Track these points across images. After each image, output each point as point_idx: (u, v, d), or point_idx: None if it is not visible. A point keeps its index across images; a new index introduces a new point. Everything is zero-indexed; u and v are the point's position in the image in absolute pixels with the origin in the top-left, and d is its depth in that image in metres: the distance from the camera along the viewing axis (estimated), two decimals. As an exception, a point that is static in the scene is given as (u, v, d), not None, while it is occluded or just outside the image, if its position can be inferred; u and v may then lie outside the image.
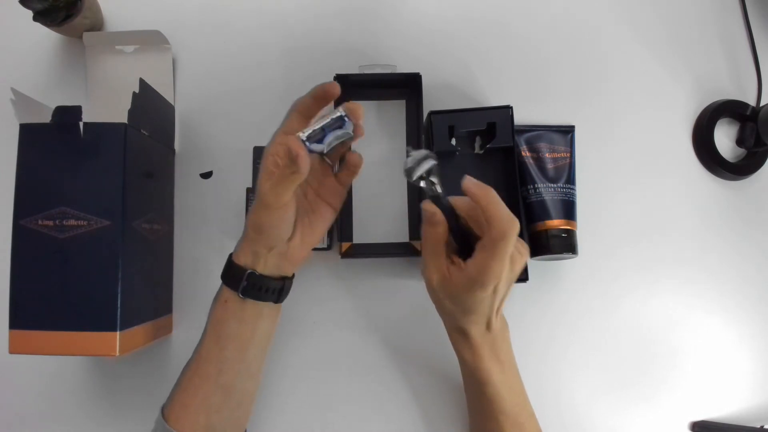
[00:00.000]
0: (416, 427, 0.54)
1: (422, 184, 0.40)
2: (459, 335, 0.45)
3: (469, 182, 0.41)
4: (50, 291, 0.44)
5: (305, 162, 0.38)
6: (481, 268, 0.40)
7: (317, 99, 0.42)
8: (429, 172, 0.40)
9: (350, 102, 0.41)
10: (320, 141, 0.40)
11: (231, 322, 0.44)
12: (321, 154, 0.41)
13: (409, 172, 0.40)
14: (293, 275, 0.47)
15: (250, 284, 0.43)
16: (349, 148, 0.45)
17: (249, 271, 0.43)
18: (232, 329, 0.44)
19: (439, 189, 0.41)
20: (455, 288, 0.42)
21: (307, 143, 0.39)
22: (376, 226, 0.57)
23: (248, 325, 0.45)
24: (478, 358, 0.45)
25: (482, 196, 0.40)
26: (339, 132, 0.41)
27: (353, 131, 0.41)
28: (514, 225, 0.39)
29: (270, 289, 0.44)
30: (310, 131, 0.40)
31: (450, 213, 0.42)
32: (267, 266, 0.44)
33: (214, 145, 0.58)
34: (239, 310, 0.44)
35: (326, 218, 0.46)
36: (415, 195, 0.57)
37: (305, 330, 0.55)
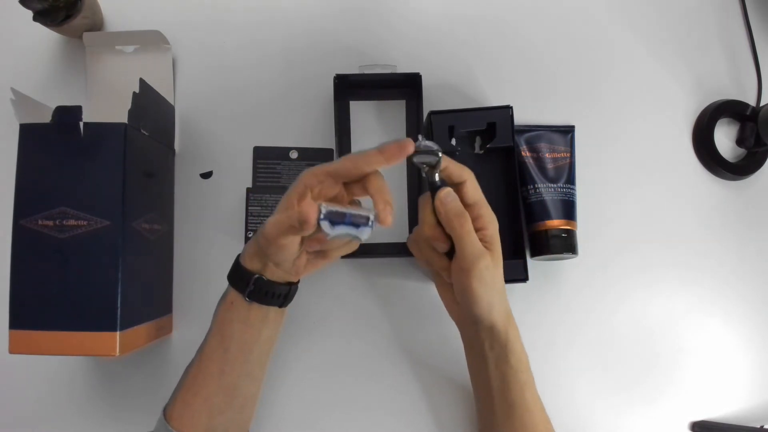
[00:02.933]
0: (417, 426, 0.54)
1: (423, 170, 0.44)
2: (510, 318, 0.46)
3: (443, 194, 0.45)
4: (50, 291, 0.44)
5: (310, 230, 0.38)
6: (487, 216, 0.45)
7: (389, 157, 0.40)
8: (434, 165, 0.44)
9: (387, 209, 0.39)
10: (333, 224, 0.38)
11: (236, 324, 0.44)
12: (324, 236, 0.39)
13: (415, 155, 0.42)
14: (298, 280, 0.47)
15: (257, 288, 0.43)
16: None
17: (256, 275, 0.43)
18: (237, 331, 0.44)
19: (437, 178, 0.44)
20: (496, 253, 0.45)
21: (321, 218, 0.37)
22: (376, 226, 0.56)
23: (253, 328, 0.44)
24: (520, 338, 0.46)
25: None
26: (354, 230, 0.38)
27: (372, 225, 0.39)
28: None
29: (276, 294, 0.44)
30: (334, 210, 0.38)
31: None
32: (274, 274, 0.44)
33: (214, 145, 0.58)
34: (245, 312, 0.44)
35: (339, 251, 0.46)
36: (415, 195, 0.57)
37: (306, 330, 0.55)
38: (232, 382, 0.44)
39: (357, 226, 0.39)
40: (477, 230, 0.44)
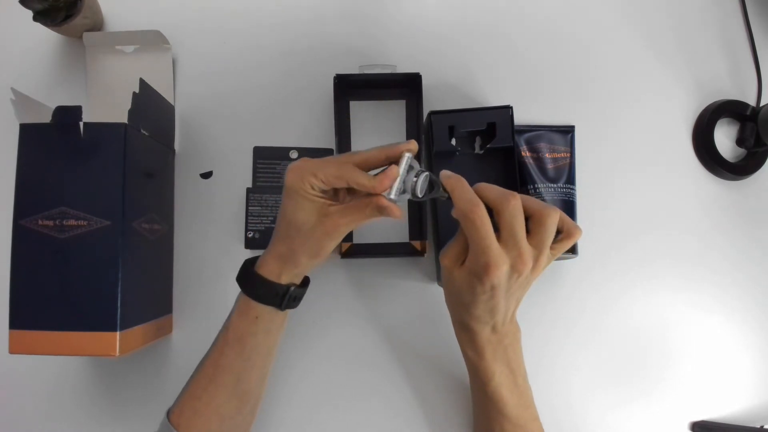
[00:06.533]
0: (417, 425, 0.54)
1: (431, 195, 0.42)
2: (463, 331, 0.45)
3: (443, 175, 0.42)
4: (50, 291, 0.44)
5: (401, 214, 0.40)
6: (472, 262, 0.40)
7: (390, 158, 0.40)
8: (431, 186, 0.41)
9: (405, 145, 0.41)
10: (404, 191, 0.41)
11: (260, 336, 0.44)
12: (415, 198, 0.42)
13: (415, 196, 0.41)
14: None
15: (291, 298, 0.44)
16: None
17: (292, 288, 0.44)
18: (260, 341, 0.44)
19: (445, 193, 0.41)
20: (457, 279, 0.42)
21: (397, 200, 0.40)
22: (376, 226, 0.57)
23: (274, 334, 0.45)
24: (480, 357, 0.45)
25: (453, 190, 0.41)
26: (412, 183, 0.40)
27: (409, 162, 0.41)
28: (471, 210, 0.39)
29: (300, 296, 0.46)
30: (398, 188, 0.40)
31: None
32: (299, 277, 0.45)
33: (214, 145, 0.58)
34: (270, 323, 0.44)
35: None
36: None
37: (305, 330, 0.55)
38: (247, 388, 0.45)
39: (416, 174, 0.41)
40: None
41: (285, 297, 0.43)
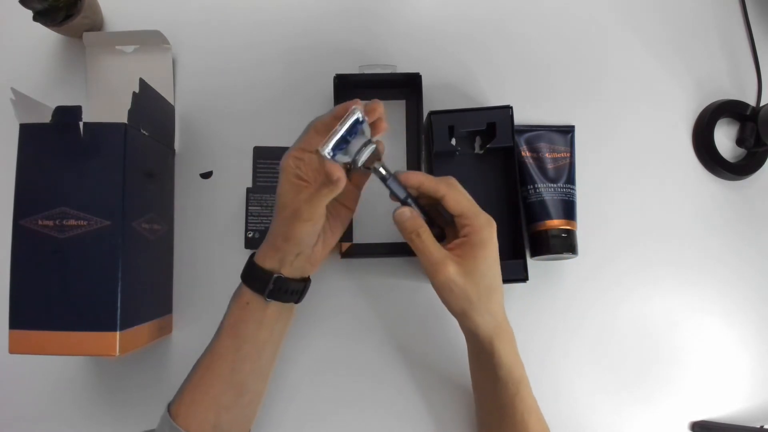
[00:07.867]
0: (417, 426, 0.54)
1: (372, 169, 0.42)
2: (498, 330, 0.44)
3: (405, 175, 0.44)
4: (50, 291, 0.44)
5: (344, 182, 0.40)
6: (476, 230, 0.42)
7: (338, 118, 0.42)
8: (372, 158, 0.42)
9: (373, 101, 0.42)
10: (342, 149, 0.40)
11: (251, 324, 0.44)
12: (350, 167, 0.42)
13: (354, 163, 0.41)
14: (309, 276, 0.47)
15: (276, 287, 0.44)
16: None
17: (276, 275, 0.43)
18: (251, 330, 0.44)
19: (384, 171, 0.43)
20: (472, 262, 0.42)
21: (334, 157, 0.39)
22: (376, 226, 0.57)
23: (267, 326, 0.45)
24: (516, 355, 0.45)
25: (422, 184, 0.44)
26: (362, 141, 0.41)
27: (371, 132, 0.42)
28: (453, 187, 0.44)
29: (293, 290, 0.45)
30: (332, 143, 0.39)
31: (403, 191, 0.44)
32: (292, 270, 0.44)
33: (214, 145, 0.58)
34: (260, 311, 0.44)
35: (344, 220, 0.47)
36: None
37: (305, 330, 0.55)
38: (242, 379, 0.44)
39: (359, 133, 0.41)
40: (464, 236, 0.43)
41: (267, 284, 0.43)
